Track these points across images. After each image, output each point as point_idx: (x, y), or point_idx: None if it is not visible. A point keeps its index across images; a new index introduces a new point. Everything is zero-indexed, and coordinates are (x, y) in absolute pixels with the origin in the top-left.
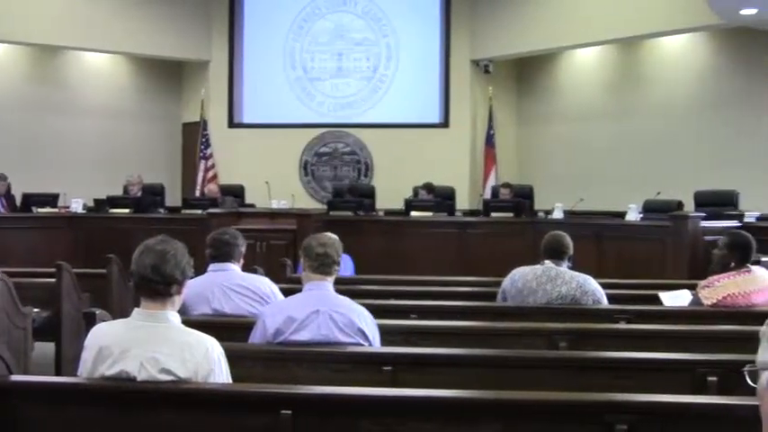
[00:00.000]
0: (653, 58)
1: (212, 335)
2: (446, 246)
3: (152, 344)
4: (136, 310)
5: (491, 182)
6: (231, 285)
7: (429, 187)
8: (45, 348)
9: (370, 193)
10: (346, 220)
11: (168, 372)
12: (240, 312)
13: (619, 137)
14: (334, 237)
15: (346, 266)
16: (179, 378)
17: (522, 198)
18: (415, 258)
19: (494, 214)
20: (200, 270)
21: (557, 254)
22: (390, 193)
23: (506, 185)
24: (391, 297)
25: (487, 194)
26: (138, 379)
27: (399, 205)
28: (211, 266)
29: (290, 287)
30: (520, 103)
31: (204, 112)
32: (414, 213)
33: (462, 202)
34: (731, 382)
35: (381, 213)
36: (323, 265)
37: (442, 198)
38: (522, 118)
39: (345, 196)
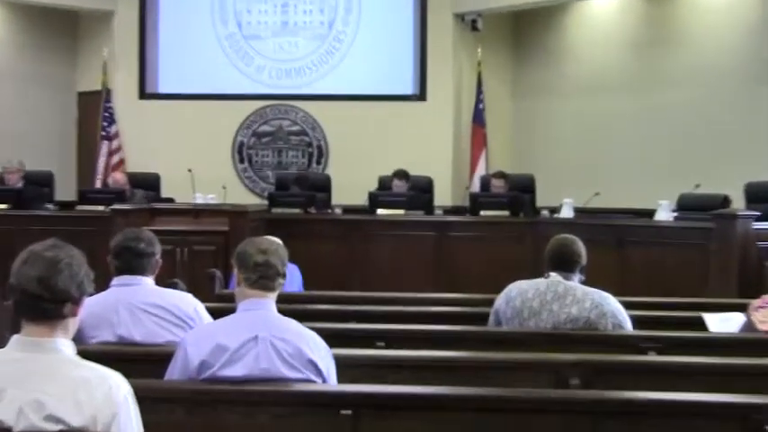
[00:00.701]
0: (691, 10)
1: (117, 369)
2: (422, 253)
3: (35, 382)
4: (15, 337)
5: (480, 170)
6: (142, 304)
7: (402, 175)
8: None
9: (324, 185)
10: (293, 219)
11: (57, 419)
12: (154, 339)
13: (646, 113)
14: (278, 241)
15: (293, 279)
16: (71, 427)
17: (520, 192)
18: (382, 269)
19: (484, 212)
20: (101, 285)
21: (565, 264)
22: (350, 186)
23: (500, 175)
24: (351, 319)
25: (475, 187)
26: (16, 431)
27: (362, 201)
28: (116, 280)
29: (221, 306)
30: (517, 70)
31: (107, 78)
32: (381, 211)
33: (443, 196)
34: None
35: (339, 211)
36: (263, 278)
37: (416, 191)
38: (519, 88)
39: (292, 189)
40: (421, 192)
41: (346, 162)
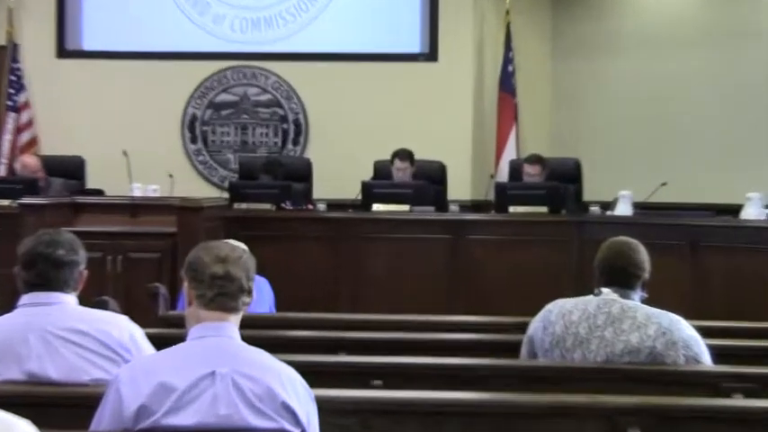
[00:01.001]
0: None
1: (26, 416)
2: (433, 263)
3: None
4: None
5: (509, 154)
6: (61, 331)
7: (405, 156)
8: None
9: (302, 173)
10: (263, 218)
11: None
12: (77, 377)
13: (728, 78)
14: (242, 247)
15: (262, 297)
16: None
17: (561, 181)
18: (379, 284)
19: (514, 209)
20: (7, 305)
21: (622, 277)
22: (337, 174)
23: (535, 160)
24: (340, 350)
25: (503, 175)
26: None
27: (352, 193)
28: (26, 298)
29: (166, 333)
30: (558, 21)
31: (14, 31)
32: (377, 207)
33: (460, 187)
34: None
35: (322, 207)
36: (222, 296)
37: (425, 180)
38: (561, 46)
39: (261, 178)
40: (430, 181)
41: (332, 143)
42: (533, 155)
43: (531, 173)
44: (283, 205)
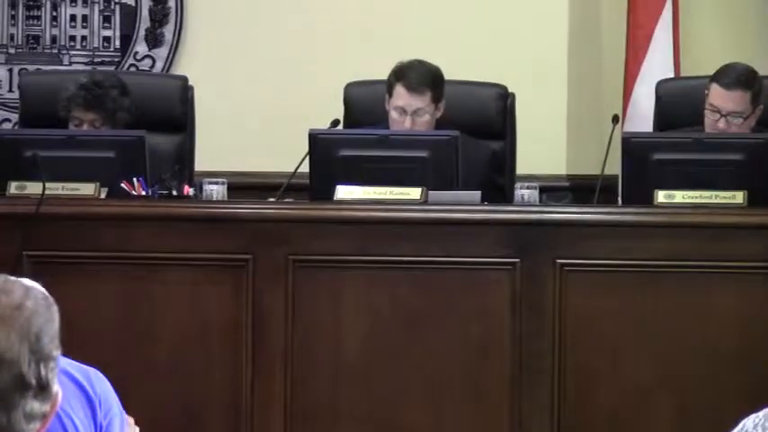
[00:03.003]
0: None
1: None
2: (474, 329)
3: None
4: None
5: (655, 69)
6: None
7: (420, 82)
8: None
9: (173, 113)
10: (74, 216)
11: None
12: None
13: None
14: (31, 290)
15: (95, 410)
16: None
17: None
18: (348, 394)
19: (670, 195)
20: None
21: None
22: (256, 114)
23: (736, 79)
24: None
25: (639, 118)
26: None
27: (289, 159)
28: None
29: None
30: None
31: None
32: (347, 190)
33: (544, 148)
34: None
35: (215, 190)
36: None
37: (464, 130)
38: None
39: (72, 118)
40: (474, 135)
41: (242, 42)
42: (733, 67)
43: (726, 109)
44: (126, 187)
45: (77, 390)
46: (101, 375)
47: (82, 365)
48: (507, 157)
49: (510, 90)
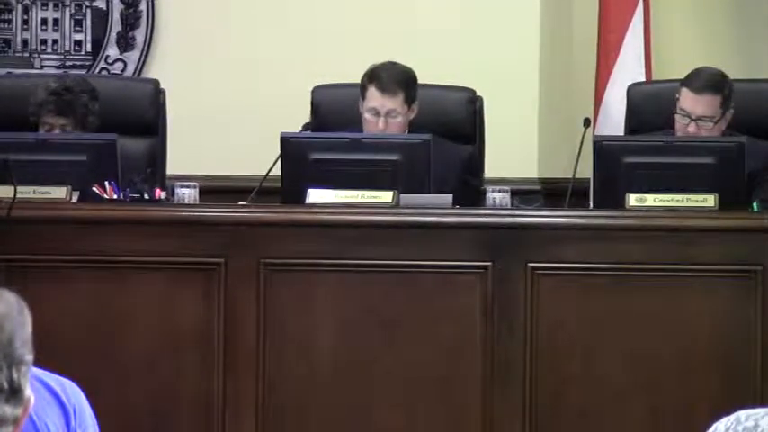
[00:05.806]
0: None
1: None
2: (450, 334)
3: None
4: None
5: (624, 73)
6: None
7: (394, 84)
8: None
9: (145, 117)
10: (46, 219)
11: None
12: None
13: None
14: (6, 294)
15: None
16: None
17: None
18: (321, 399)
19: (641, 198)
20: None
21: None
22: (227, 117)
23: (705, 83)
24: None
25: (609, 121)
26: None
27: (260, 164)
28: None
29: None
30: None
31: None
32: (318, 194)
33: (513, 150)
34: None
35: (187, 194)
36: None
37: (435, 132)
38: None
39: (43, 123)
40: (446, 137)
41: (211, 47)
42: (703, 72)
43: (697, 113)
44: (98, 191)
45: (52, 398)
46: (76, 388)
47: (59, 377)
48: (477, 158)
49: (481, 94)
